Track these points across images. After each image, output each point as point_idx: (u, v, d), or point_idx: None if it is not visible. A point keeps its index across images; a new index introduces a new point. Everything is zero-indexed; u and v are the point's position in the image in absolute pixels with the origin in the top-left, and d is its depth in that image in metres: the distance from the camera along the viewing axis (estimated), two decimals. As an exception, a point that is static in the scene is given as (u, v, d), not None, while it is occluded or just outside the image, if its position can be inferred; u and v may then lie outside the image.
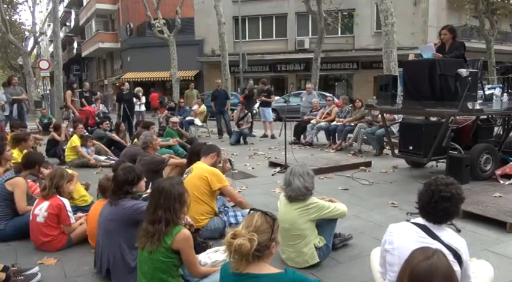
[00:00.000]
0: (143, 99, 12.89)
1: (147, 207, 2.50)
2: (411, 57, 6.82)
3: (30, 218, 3.52)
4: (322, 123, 9.32)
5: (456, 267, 1.95)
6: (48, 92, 19.92)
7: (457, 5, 20.08)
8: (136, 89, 12.99)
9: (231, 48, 20.87)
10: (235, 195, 3.91)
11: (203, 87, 23.88)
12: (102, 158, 7.60)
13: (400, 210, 4.46)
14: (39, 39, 24.76)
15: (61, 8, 35.73)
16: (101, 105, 12.09)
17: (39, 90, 29.31)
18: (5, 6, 21.65)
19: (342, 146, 8.83)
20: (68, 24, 41.56)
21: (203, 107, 12.05)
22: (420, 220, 2.18)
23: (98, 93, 13.62)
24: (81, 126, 8.04)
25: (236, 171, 5.93)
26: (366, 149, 8.17)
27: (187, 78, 24.52)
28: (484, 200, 4.40)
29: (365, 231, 3.84)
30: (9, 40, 20.91)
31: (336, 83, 24.90)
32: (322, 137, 9.68)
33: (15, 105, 9.94)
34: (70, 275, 3.08)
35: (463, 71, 4.93)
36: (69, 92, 11.47)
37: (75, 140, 7.42)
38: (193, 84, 15.99)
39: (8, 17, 22.51)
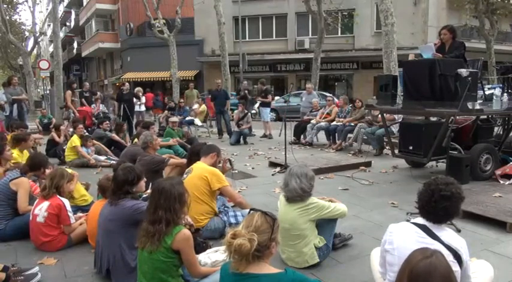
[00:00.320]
0: (143, 99, 12.90)
1: (147, 207, 2.50)
2: (411, 57, 6.82)
3: (30, 218, 3.52)
4: (322, 123, 9.32)
5: (456, 267, 1.95)
6: (48, 92, 19.92)
7: (457, 5, 20.08)
8: (136, 89, 12.99)
9: (231, 48, 20.88)
10: (235, 196, 3.91)
11: (203, 87, 23.87)
12: (102, 158, 7.60)
13: (400, 210, 4.46)
14: (39, 39, 24.75)
15: (61, 8, 35.74)
16: (100, 105, 12.09)
17: (39, 90, 29.33)
18: (5, 6, 21.65)
19: (342, 146, 8.83)
20: (68, 24, 41.56)
21: (203, 107, 12.06)
22: (420, 220, 2.18)
23: (98, 93, 13.62)
24: (81, 126, 8.05)
25: (236, 171, 5.92)
26: (366, 149, 8.17)
27: (187, 78, 24.51)
28: (484, 200, 4.40)
29: (365, 231, 3.84)
30: (9, 40, 20.91)
31: (336, 83, 24.90)
32: (322, 137, 9.68)
33: (15, 105, 9.94)
34: (70, 275, 3.08)
35: (463, 71, 4.93)
36: (69, 92, 11.47)
37: (75, 140, 7.42)
38: (192, 84, 15.99)
39: (8, 17, 22.51)
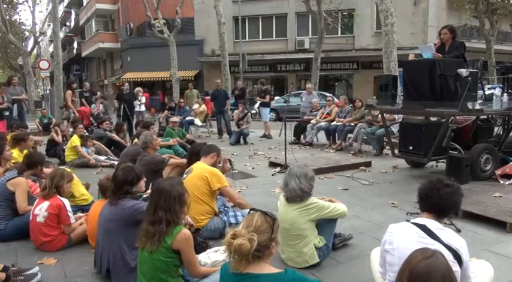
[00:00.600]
0: (143, 99, 12.89)
1: (147, 207, 2.50)
2: (411, 57, 6.81)
3: (30, 218, 3.51)
4: (322, 123, 9.32)
5: (456, 267, 1.95)
6: (48, 92, 19.91)
7: (457, 5, 20.06)
8: (136, 89, 12.98)
9: (231, 48, 20.87)
10: (235, 196, 3.90)
11: (203, 87, 23.87)
12: (102, 158, 7.61)
13: (400, 210, 4.46)
14: (39, 39, 24.74)
15: (61, 8, 35.74)
16: (100, 105, 12.09)
17: (39, 90, 29.29)
18: (5, 6, 21.65)
19: (342, 146, 8.83)
20: (68, 24, 41.56)
21: (203, 107, 12.05)
22: (420, 220, 2.19)
23: (98, 93, 13.61)
24: (81, 126, 8.06)
25: (236, 171, 5.92)
26: (366, 149, 8.17)
27: (187, 78, 24.50)
28: (484, 200, 4.40)
29: (365, 231, 3.84)
30: (9, 40, 20.89)
31: (336, 83, 24.89)
32: (322, 137, 9.68)
33: (15, 105, 9.94)
34: (70, 275, 3.08)
35: (463, 71, 4.93)
36: (69, 92, 11.46)
37: (75, 140, 7.42)
38: (191, 84, 15.97)
39: (8, 17, 22.50)
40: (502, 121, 6.26)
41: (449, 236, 2.09)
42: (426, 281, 1.55)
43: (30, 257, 3.38)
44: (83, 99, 11.60)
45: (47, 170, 4.17)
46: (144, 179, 3.09)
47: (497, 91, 5.57)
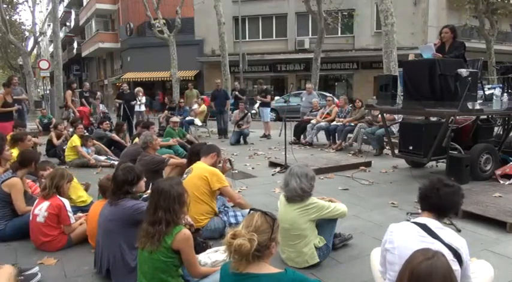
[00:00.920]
0: (143, 99, 12.89)
1: (147, 208, 2.50)
2: (411, 57, 6.82)
3: (30, 218, 3.51)
4: (322, 123, 9.32)
5: (456, 266, 1.95)
6: (48, 92, 19.92)
7: (457, 5, 20.07)
8: (137, 89, 12.98)
9: (231, 48, 20.87)
10: (235, 196, 3.90)
11: (203, 87, 23.88)
12: (102, 158, 7.60)
13: (400, 210, 4.46)
14: (39, 39, 24.73)
15: (61, 8, 35.74)
16: (101, 105, 12.08)
17: (39, 90, 29.27)
18: (5, 6, 21.64)
19: (342, 146, 8.83)
20: (68, 24, 41.55)
21: (203, 107, 12.05)
22: (421, 219, 2.19)
23: (98, 93, 13.61)
24: (81, 126, 8.05)
25: (236, 171, 5.93)
26: (366, 149, 8.17)
27: (187, 78, 24.49)
28: (484, 200, 4.40)
29: (365, 231, 3.84)
30: (9, 40, 20.88)
31: (336, 83, 24.90)
32: (322, 137, 9.68)
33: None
34: (70, 275, 3.08)
35: (463, 71, 4.92)
36: (69, 92, 11.45)
37: (75, 140, 7.42)
38: (191, 84, 15.95)
39: (8, 17, 22.49)
40: (502, 121, 6.26)
41: (450, 235, 2.09)
42: (427, 281, 1.55)
43: (30, 257, 3.37)
44: (83, 99, 11.60)
45: (45, 173, 4.13)
46: (144, 179, 3.09)
47: (497, 91, 5.57)
